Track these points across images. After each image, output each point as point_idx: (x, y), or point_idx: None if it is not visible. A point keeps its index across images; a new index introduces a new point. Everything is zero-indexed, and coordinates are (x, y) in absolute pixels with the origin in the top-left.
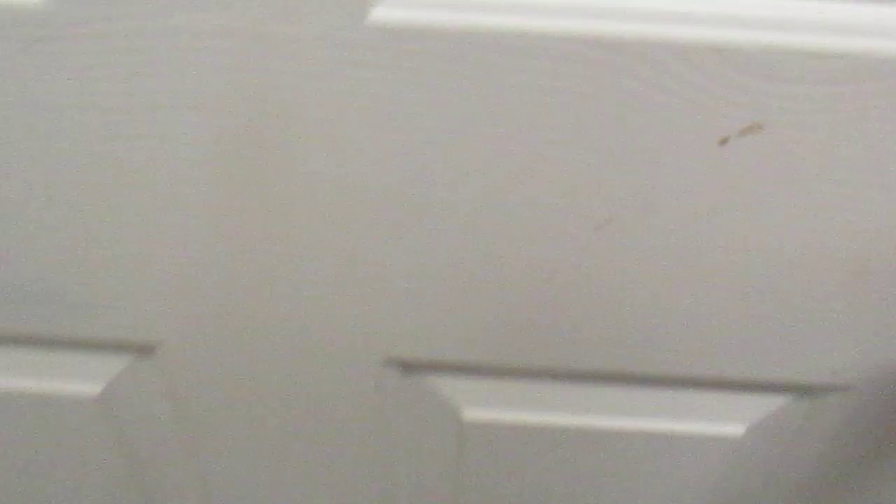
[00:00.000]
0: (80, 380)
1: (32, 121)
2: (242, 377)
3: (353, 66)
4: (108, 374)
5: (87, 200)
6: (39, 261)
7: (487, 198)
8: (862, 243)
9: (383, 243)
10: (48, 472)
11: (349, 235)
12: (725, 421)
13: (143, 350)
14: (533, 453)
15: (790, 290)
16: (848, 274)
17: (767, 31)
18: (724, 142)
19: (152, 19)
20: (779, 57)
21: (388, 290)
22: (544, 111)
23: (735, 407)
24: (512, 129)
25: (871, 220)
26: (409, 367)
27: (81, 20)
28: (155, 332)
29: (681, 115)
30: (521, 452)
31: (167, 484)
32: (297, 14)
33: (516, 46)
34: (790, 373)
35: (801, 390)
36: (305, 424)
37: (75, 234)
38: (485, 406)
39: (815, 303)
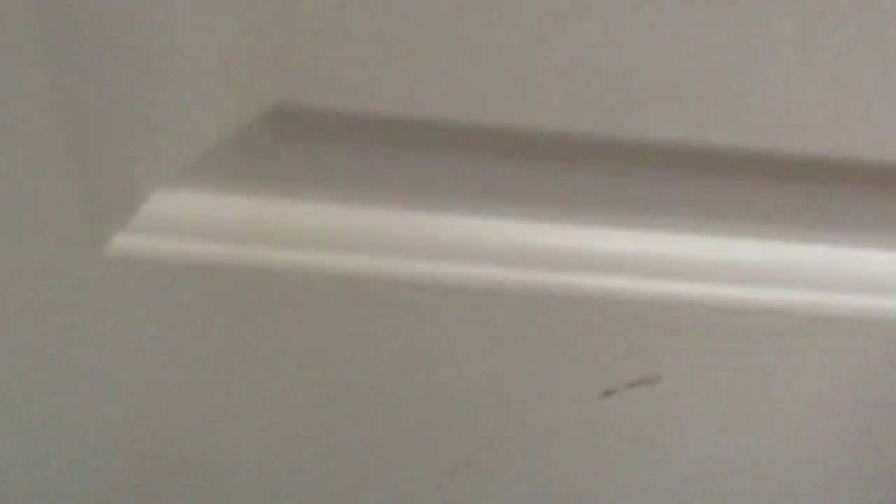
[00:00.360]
0: None
1: None
2: None
3: (90, 300)
4: None
5: None
6: None
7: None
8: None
9: None
10: None
11: None
12: None
13: None
14: None
15: None
16: None
17: (659, 283)
18: (608, 394)
19: None
20: (672, 311)
21: None
22: (352, 354)
23: None
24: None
25: (769, 470)
26: None
27: None
28: None
29: (558, 369)
30: None
31: None
32: (23, 243)
33: (308, 284)
34: None
35: None
36: None
37: None
38: None
39: None
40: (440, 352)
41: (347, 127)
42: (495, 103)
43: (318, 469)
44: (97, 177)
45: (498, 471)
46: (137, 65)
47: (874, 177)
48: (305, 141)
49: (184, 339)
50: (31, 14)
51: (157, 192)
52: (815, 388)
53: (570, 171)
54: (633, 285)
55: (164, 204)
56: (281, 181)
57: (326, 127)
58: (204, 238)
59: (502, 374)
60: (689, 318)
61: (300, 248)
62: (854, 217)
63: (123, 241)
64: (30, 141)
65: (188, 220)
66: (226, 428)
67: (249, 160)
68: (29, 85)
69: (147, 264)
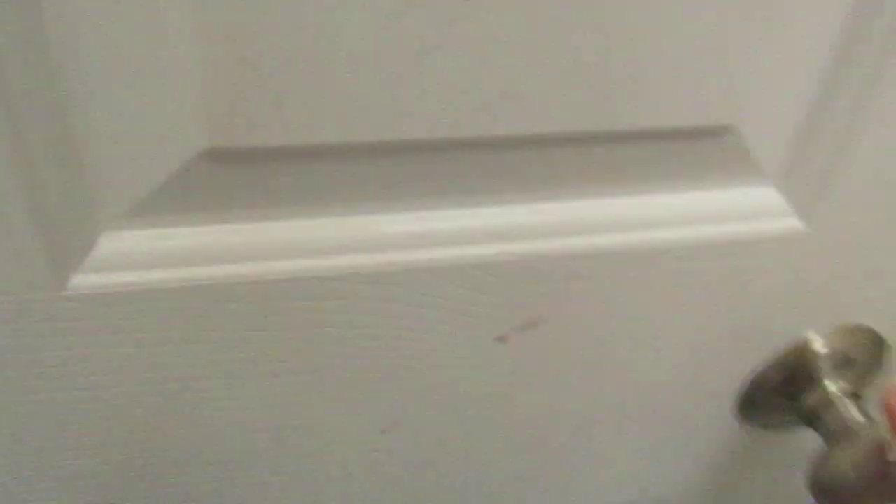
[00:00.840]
0: None
1: None
2: None
3: (54, 336)
4: None
5: None
6: None
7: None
8: (639, 395)
9: None
10: None
11: None
12: None
13: None
14: None
15: (580, 438)
16: (628, 419)
17: (527, 241)
18: (502, 339)
19: None
20: (543, 261)
21: None
22: (300, 348)
23: None
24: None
25: (648, 375)
26: None
27: None
28: None
29: (452, 326)
30: None
31: None
32: None
33: (245, 294)
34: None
35: None
36: None
37: None
38: None
39: (607, 446)
40: (367, 329)
41: (268, 157)
42: (370, 124)
43: (274, 427)
44: (53, 227)
45: (422, 429)
46: (81, 128)
47: (639, 138)
48: (230, 174)
49: (144, 362)
50: None
51: (105, 234)
52: (663, 309)
53: (445, 169)
54: (502, 248)
55: (112, 243)
56: (213, 210)
57: (249, 160)
58: (152, 267)
59: (412, 345)
60: (553, 268)
61: (237, 262)
62: (655, 169)
63: (82, 280)
64: None
65: (136, 254)
66: (192, 438)
67: (184, 196)
68: None
69: (103, 297)
